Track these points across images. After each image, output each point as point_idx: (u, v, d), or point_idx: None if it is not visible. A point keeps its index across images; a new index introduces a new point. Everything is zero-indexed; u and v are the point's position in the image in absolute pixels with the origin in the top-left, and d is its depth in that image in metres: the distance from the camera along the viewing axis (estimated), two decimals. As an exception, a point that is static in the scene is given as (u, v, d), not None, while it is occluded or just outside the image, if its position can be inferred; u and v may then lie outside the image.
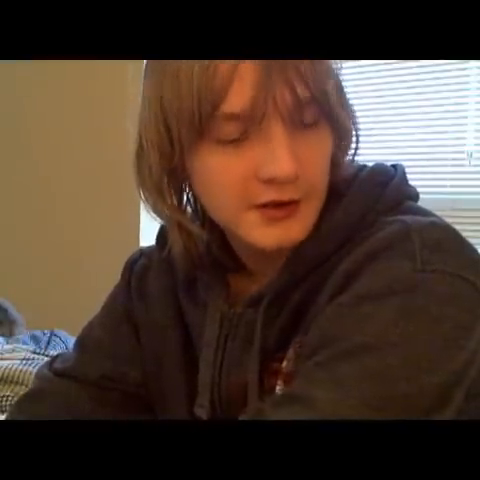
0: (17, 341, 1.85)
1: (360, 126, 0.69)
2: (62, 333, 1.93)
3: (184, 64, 0.61)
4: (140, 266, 0.83)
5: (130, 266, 0.84)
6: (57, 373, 0.84)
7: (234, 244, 0.73)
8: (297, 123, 0.61)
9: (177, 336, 0.77)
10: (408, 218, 0.64)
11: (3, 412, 1.41)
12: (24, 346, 1.74)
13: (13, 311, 2.12)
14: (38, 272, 2.58)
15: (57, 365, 0.85)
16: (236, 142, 0.61)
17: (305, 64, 0.60)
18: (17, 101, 2.67)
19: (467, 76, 2.03)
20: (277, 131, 0.60)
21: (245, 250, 0.72)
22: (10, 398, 1.44)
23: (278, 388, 0.68)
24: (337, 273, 0.63)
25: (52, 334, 1.92)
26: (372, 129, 2.16)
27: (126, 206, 2.22)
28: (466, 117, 2.03)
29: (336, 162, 0.66)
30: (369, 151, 2.14)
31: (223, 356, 0.71)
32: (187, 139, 0.62)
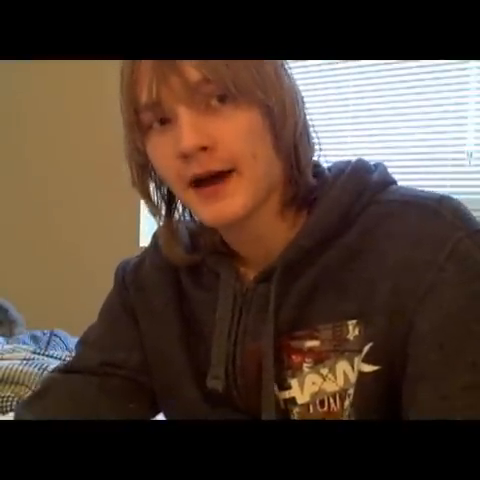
0: (17, 341, 1.85)
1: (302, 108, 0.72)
2: (62, 333, 1.93)
3: (125, 63, 0.68)
4: (133, 264, 0.86)
5: (122, 267, 0.87)
6: (60, 370, 0.88)
7: (224, 235, 0.76)
8: (201, 102, 0.66)
9: (176, 319, 0.80)
10: (412, 197, 0.70)
11: (4, 413, 1.41)
12: (24, 346, 1.74)
13: (13, 311, 2.12)
14: (38, 272, 2.59)
15: (60, 366, 0.89)
16: (161, 126, 0.68)
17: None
18: (15, 101, 2.67)
19: (467, 76, 2.02)
20: (181, 112, 0.66)
21: (229, 235, 0.76)
22: (10, 398, 1.44)
23: (306, 366, 0.71)
24: (382, 263, 0.67)
25: (52, 334, 1.92)
26: (372, 129, 2.17)
27: (125, 206, 2.22)
28: (466, 117, 2.03)
29: (281, 136, 0.69)
30: (369, 151, 2.14)
31: (238, 328, 0.74)
32: (134, 130, 0.69)
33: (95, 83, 2.43)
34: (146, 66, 0.65)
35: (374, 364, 0.67)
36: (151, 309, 0.82)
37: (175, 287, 0.81)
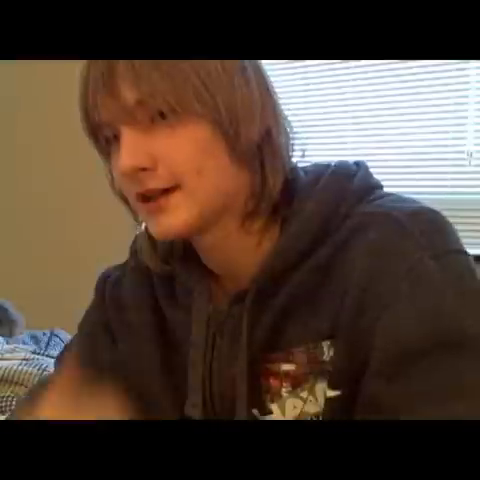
0: (17, 341, 1.85)
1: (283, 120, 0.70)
2: (62, 333, 1.93)
3: (79, 83, 0.67)
4: (113, 278, 0.84)
5: (103, 279, 0.85)
6: (41, 385, 0.84)
7: (195, 248, 0.74)
8: (143, 121, 0.64)
9: (154, 340, 0.78)
10: (385, 208, 0.67)
11: (3, 413, 1.41)
12: (24, 346, 1.74)
13: (13, 311, 2.12)
14: (38, 272, 2.58)
15: (42, 380, 0.88)
16: (111, 143, 0.68)
17: (135, 68, 0.63)
18: (16, 101, 2.67)
19: (467, 76, 2.03)
20: (122, 132, 0.65)
21: (197, 248, 0.74)
22: (10, 398, 1.44)
23: (284, 390, 0.69)
24: (348, 286, 0.65)
25: (52, 334, 1.92)
26: (372, 129, 2.17)
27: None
28: (466, 117, 2.03)
29: (236, 148, 0.66)
30: (369, 151, 2.14)
31: (212, 354, 0.72)
32: (94, 145, 0.70)
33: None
34: (90, 88, 0.65)
35: (335, 389, 0.66)
36: (129, 329, 0.80)
37: (153, 306, 0.79)
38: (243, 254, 0.71)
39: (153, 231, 0.69)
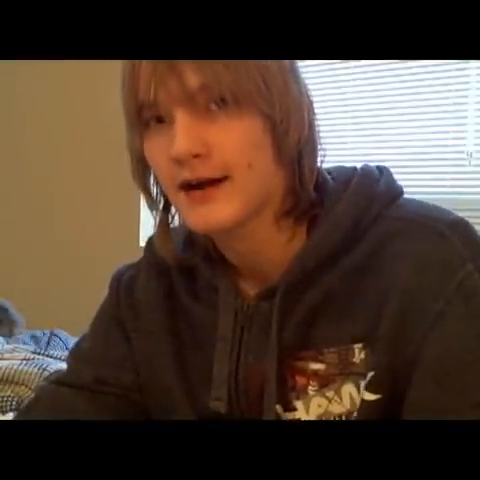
0: (17, 341, 1.86)
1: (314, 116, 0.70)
2: (62, 333, 1.93)
3: (126, 61, 0.66)
4: (128, 276, 0.84)
5: (117, 278, 0.85)
6: (53, 381, 0.85)
7: (218, 244, 0.74)
8: (201, 106, 0.64)
9: (169, 339, 0.78)
10: (422, 217, 0.68)
11: (4, 413, 1.41)
12: (24, 346, 1.75)
13: (13, 311, 2.12)
14: (38, 272, 2.59)
15: (52, 377, 0.88)
16: (158, 125, 0.66)
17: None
18: (17, 99, 2.67)
19: (467, 76, 2.03)
20: (178, 115, 0.64)
21: (222, 244, 0.73)
22: (10, 398, 1.44)
23: (311, 389, 0.69)
24: (388, 293, 0.65)
25: (52, 334, 1.92)
26: (372, 129, 2.17)
27: (126, 206, 2.22)
28: (466, 117, 2.03)
29: (283, 147, 0.67)
30: (369, 151, 2.14)
31: (240, 348, 0.72)
32: (132, 126, 0.68)
33: (97, 81, 2.43)
34: (146, 65, 0.64)
35: (376, 393, 0.66)
36: (143, 328, 0.80)
37: (168, 304, 0.79)
38: (271, 251, 0.71)
39: (193, 222, 0.67)
